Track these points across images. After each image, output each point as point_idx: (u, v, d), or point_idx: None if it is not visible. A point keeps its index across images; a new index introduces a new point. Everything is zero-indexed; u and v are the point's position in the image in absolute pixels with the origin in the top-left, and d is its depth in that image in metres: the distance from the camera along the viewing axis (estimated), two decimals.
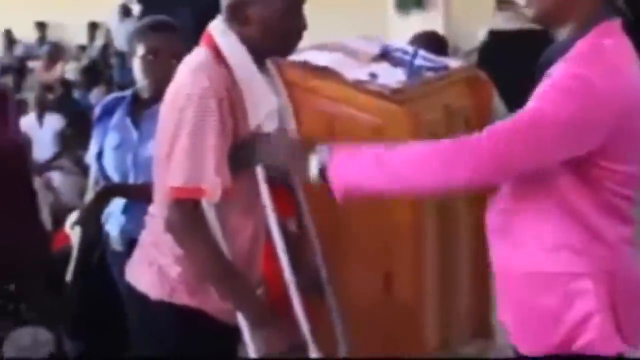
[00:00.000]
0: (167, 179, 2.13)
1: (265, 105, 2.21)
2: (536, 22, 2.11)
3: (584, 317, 2.03)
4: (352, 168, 1.99)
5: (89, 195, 2.84)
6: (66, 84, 9.33)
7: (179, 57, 2.80)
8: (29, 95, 8.09)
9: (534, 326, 2.10)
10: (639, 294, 2.08)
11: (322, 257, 2.44)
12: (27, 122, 7.24)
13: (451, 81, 3.39)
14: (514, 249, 2.09)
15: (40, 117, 7.49)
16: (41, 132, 7.33)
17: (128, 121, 2.88)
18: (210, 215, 2.14)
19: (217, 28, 2.23)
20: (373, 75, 3.02)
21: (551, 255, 2.04)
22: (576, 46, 2.02)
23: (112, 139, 2.89)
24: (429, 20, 5.53)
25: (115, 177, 2.88)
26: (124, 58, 10.65)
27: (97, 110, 2.97)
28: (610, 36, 2.02)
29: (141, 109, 2.88)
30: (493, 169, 1.94)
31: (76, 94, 9.36)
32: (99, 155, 2.92)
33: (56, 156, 7.15)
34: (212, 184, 2.08)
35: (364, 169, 1.98)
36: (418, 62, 3.20)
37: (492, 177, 1.98)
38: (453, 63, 3.57)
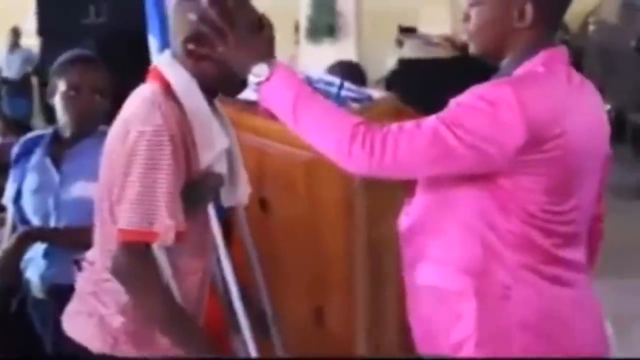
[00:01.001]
0: (116, 221, 2.03)
1: (216, 144, 2.13)
2: (479, 56, 2.09)
3: (460, 340, 2.00)
4: (277, 95, 2.03)
5: (7, 241, 2.68)
6: None
7: (102, 92, 2.73)
8: None
9: (428, 339, 2.09)
10: (542, 327, 1.99)
11: (266, 292, 2.38)
12: None
13: (376, 111, 3.35)
14: (415, 259, 2.08)
15: None
16: None
17: (48, 162, 2.74)
18: (161, 258, 2.03)
19: (167, 63, 2.15)
20: None
21: (442, 270, 2.02)
22: (510, 73, 2.01)
23: (31, 181, 2.74)
24: (341, 49, 5.51)
25: (34, 221, 2.73)
26: (15, 88, 10.34)
27: (14, 150, 2.82)
28: (547, 64, 2.00)
29: (63, 148, 2.75)
30: (384, 172, 1.97)
31: None
32: (17, 197, 2.76)
33: None
34: (165, 226, 1.99)
35: (283, 104, 2.03)
36: (343, 92, 3.16)
37: (382, 177, 2.01)
38: (376, 93, 3.55)
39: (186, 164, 2.06)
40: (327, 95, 3.12)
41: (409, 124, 1.96)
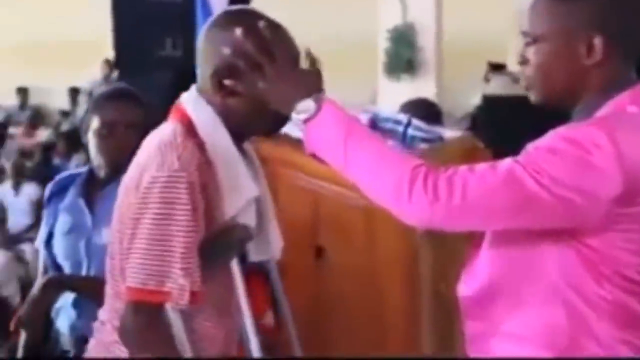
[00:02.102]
0: (125, 278, 1.81)
1: (244, 192, 1.90)
2: (542, 104, 1.81)
3: None
4: (325, 132, 1.78)
5: (35, 287, 2.49)
6: (46, 150, 9.05)
7: (138, 129, 2.54)
8: (7, 162, 7.83)
9: None
10: None
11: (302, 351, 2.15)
12: (3, 190, 6.98)
13: (447, 153, 3.11)
14: (485, 334, 1.79)
15: (16, 185, 7.22)
16: (17, 201, 7.05)
17: (81, 203, 2.57)
18: (175, 320, 1.80)
19: (190, 99, 1.93)
20: None
21: (521, 348, 1.72)
22: (592, 115, 1.72)
23: (63, 223, 2.57)
24: (420, 86, 5.28)
25: (66, 266, 2.56)
26: None
27: (48, 189, 2.65)
28: (637, 102, 1.71)
29: (96, 189, 2.57)
30: (450, 221, 1.69)
31: (56, 160, 9.08)
32: (49, 240, 2.58)
33: (30, 227, 6.86)
34: (178, 286, 1.76)
35: (331, 142, 1.78)
36: (411, 132, 2.92)
37: (447, 228, 1.74)
38: (448, 133, 3.30)
39: (207, 214, 1.83)
40: (394, 134, 2.91)
41: (480, 165, 1.70)
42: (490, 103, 6.30)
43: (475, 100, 6.80)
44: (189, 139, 1.85)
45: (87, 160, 2.69)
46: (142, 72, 5.75)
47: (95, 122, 2.54)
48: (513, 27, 9.25)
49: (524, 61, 1.79)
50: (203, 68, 1.92)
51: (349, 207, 2.67)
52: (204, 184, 1.82)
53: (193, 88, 1.95)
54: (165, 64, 5.96)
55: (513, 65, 8.78)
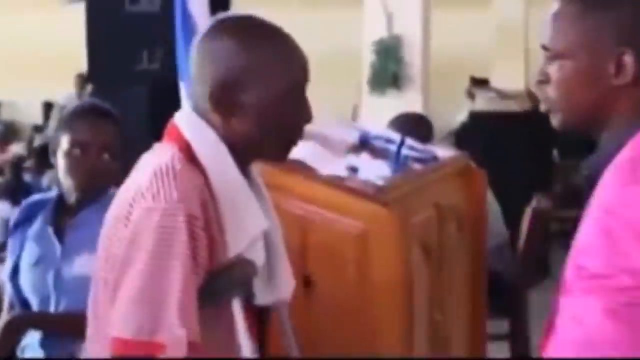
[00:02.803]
0: (110, 325, 1.59)
1: (251, 226, 1.69)
2: (566, 129, 1.60)
3: None
4: None
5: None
6: (16, 167, 8.80)
7: (113, 151, 2.34)
8: None
9: None
10: None
11: None
12: None
13: (442, 174, 2.96)
14: None
15: None
16: None
17: (50, 231, 2.35)
18: None
19: (188, 120, 1.71)
20: (353, 170, 2.57)
21: None
22: (625, 149, 1.49)
23: (30, 253, 2.36)
24: (406, 101, 5.12)
25: (33, 301, 2.35)
26: None
27: (14, 216, 2.44)
28: None
29: (67, 216, 2.37)
30: None
31: (27, 177, 8.82)
32: (15, 272, 2.37)
33: (1, 246, 6.63)
34: (174, 337, 1.54)
35: None
36: (404, 152, 2.75)
37: None
38: (442, 152, 3.15)
39: (209, 252, 1.61)
40: (385, 153, 2.75)
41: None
42: (477, 119, 6.17)
43: (460, 117, 6.68)
44: (189, 165, 1.64)
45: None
46: (117, 86, 5.54)
47: (64, 142, 2.34)
48: (497, 43, 9.17)
49: (544, 79, 1.58)
50: (199, 85, 1.71)
51: (340, 234, 2.49)
52: (207, 219, 1.61)
53: (187, 107, 1.75)
54: (141, 78, 5.72)
55: (496, 81, 8.69)
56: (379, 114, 5.06)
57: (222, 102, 1.67)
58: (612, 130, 1.53)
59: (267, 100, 1.67)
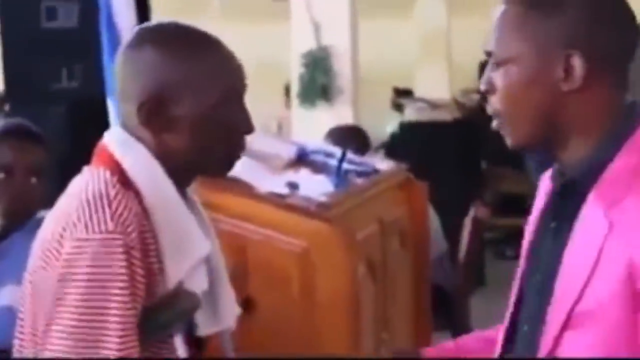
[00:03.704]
0: None
1: (192, 251, 1.56)
2: (522, 150, 1.50)
3: None
4: None
5: None
6: None
7: (40, 174, 2.21)
8: None
9: None
10: None
11: None
12: None
13: (383, 188, 2.89)
14: None
15: None
16: None
17: None
18: None
19: (118, 139, 1.57)
20: (292, 186, 2.51)
21: None
22: (619, 160, 1.39)
23: None
24: (336, 113, 5.06)
25: None
26: None
27: None
28: None
29: None
30: None
31: None
32: None
33: None
34: None
35: None
36: (345, 166, 2.68)
37: None
38: (382, 164, 3.08)
39: (147, 282, 1.48)
40: (325, 168, 2.68)
41: None
42: (407, 130, 6.14)
43: (389, 127, 6.64)
44: (124, 190, 1.50)
45: None
46: (35, 105, 5.35)
47: None
48: (420, 53, 9.20)
49: (490, 88, 1.46)
50: (125, 101, 1.57)
51: (281, 253, 2.41)
52: (144, 246, 1.48)
53: (116, 126, 1.61)
54: (60, 97, 5.54)
55: (420, 91, 8.70)
56: (309, 126, 4.99)
57: (152, 117, 1.54)
58: (579, 141, 1.42)
59: (200, 111, 1.54)
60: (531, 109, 1.42)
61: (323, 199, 2.44)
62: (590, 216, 1.38)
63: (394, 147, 6.10)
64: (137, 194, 1.51)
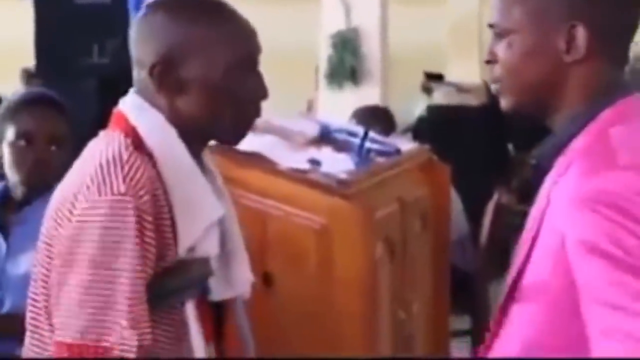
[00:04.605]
0: (52, 329, 1.49)
1: (205, 214, 1.58)
2: (514, 112, 1.49)
3: None
4: None
5: None
6: None
7: (61, 143, 2.23)
8: None
9: None
10: None
11: None
12: None
13: (405, 168, 2.90)
14: None
15: None
16: None
17: None
18: None
19: (133, 104, 1.61)
20: (314, 163, 2.49)
21: None
22: (577, 139, 1.40)
23: None
24: (364, 95, 5.04)
25: None
26: None
27: None
28: (621, 121, 1.39)
29: (12, 211, 2.25)
30: None
31: None
32: None
33: None
34: (124, 340, 1.45)
35: None
36: (367, 145, 2.68)
37: None
38: (404, 145, 3.09)
39: (159, 246, 1.51)
40: (348, 146, 2.69)
41: None
42: (435, 113, 6.13)
43: (418, 110, 6.63)
44: (138, 154, 1.53)
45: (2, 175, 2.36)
46: (66, 81, 5.39)
47: (10, 133, 2.22)
48: (451, 39, 9.15)
49: (492, 58, 1.47)
50: (140, 66, 1.61)
51: (300, 229, 2.42)
52: (157, 209, 1.50)
53: (132, 92, 1.64)
54: (91, 73, 5.59)
55: (451, 77, 8.66)
56: (336, 108, 4.98)
57: (163, 79, 1.57)
58: (565, 115, 1.43)
59: (212, 74, 1.57)
60: (532, 79, 1.43)
61: (343, 176, 2.45)
62: (540, 194, 1.41)
63: (421, 130, 6.09)
64: (151, 157, 1.54)
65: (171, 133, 1.57)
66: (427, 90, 7.66)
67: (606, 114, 1.39)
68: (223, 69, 1.57)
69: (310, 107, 7.61)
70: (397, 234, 2.69)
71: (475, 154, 5.71)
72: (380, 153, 2.77)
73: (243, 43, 1.61)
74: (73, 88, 4.96)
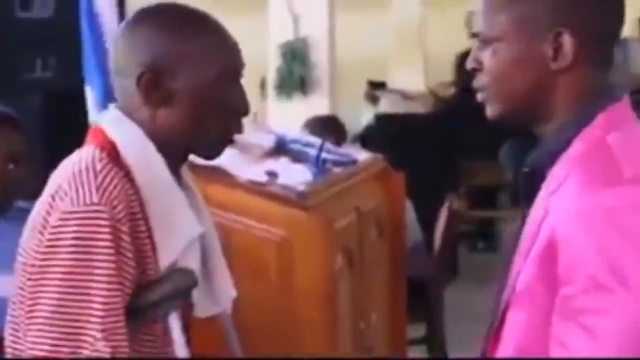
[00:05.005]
0: (27, 344, 1.47)
1: (184, 231, 1.57)
2: (501, 120, 1.48)
3: None
4: None
5: None
6: None
7: (18, 160, 2.19)
8: None
9: None
10: None
11: None
12: None
13: (361, 178, 2.91)
14: None
15: None
16: None
17: None
18: None
19: (111, 119, 1.58)
20: (272, 175, 2.49)
21: None
22: (573, 146, 1.40)
23: None
24: (313, 105, 5.04)
25: None
26: None
27: None
28: (615, 126, 1.40)
29: None
30: None
31: None
32: None
33: None
34: (97, 351, 1.42)
35: None
36: (323, 155, 2.69)
37: None
38: (359, 155, 3.10)
39: (138, 259, 1.49)
40: (304, 157, 2.69)
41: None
42: (383, 122, 6.16)
43: (364, 119, 6.65)
44: (112, 165, 1.51)
45: None
46: (10, 96, 5.30)
47: None
48: (395, 46, 9.20)
49: (477, 66, 1.46)
50: (123, 76, 1.59)
51: (261, 241, 2.42)
52: (134, 224, 1.49)
53: (112, 107, 1.62)
54: (35, 87, 5.51)
55: (394, 84, 8.71)
56: (285, 118, 4.97)
57: (150, 89, 1.55)
58: (554, 120, 1.43)
59: (197, 87, 1.56)
60: (519, 87, 1.42)
61: (302, 187, 2.45)
62: (537, 203, 1.40)
63: (370, 139, 6.12)
64: (129, 172, 1.53)
65: (149, 147, 1.56)
66: (373, 98, 7.70)
67: (599, 120, 1.39)
68: (209, 82, 1.56)
69: (255, 119, 7.60)
70: (355, 244, 2.70)
71: (425, 162, 5.76)
72: (337, 163, 2.78)
73: (231, 55, 1.61)
74: (17, 103, 4.88)
